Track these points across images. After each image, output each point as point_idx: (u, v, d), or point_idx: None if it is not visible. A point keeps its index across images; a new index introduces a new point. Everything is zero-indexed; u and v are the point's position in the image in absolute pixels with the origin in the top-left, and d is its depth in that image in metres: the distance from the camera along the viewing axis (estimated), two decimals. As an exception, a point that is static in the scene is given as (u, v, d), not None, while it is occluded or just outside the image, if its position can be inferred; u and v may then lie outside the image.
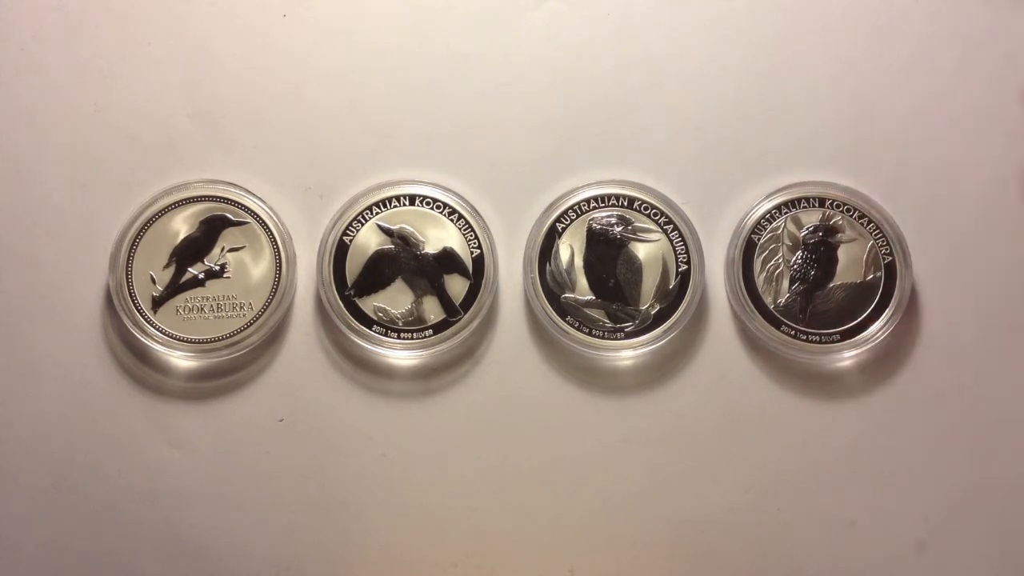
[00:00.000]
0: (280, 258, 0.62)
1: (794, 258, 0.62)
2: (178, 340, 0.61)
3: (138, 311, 0.61)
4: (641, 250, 0.62)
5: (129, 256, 0.62)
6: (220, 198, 0.63)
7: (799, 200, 0.63)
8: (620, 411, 0.62)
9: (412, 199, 0.63)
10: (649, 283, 0.62)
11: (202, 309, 0.62)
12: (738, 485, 0.61)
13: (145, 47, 0.64)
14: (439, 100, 0.64)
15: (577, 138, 0.64)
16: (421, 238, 0.62)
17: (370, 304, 0.62)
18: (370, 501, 0.61)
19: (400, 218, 0.63)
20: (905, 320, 0.62)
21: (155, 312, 0.61)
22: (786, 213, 0.63)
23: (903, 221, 0.63)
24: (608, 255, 0.62)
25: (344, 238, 0.62)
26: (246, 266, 0.62)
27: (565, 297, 0.62)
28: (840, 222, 0.62)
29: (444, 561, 0.61)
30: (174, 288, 0.62)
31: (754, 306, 0.62)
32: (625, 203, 0.63)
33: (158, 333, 0.61)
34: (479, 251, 0.62)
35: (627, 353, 0.62)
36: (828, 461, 0.61)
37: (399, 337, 0.61)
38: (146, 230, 0.62)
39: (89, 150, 0.63)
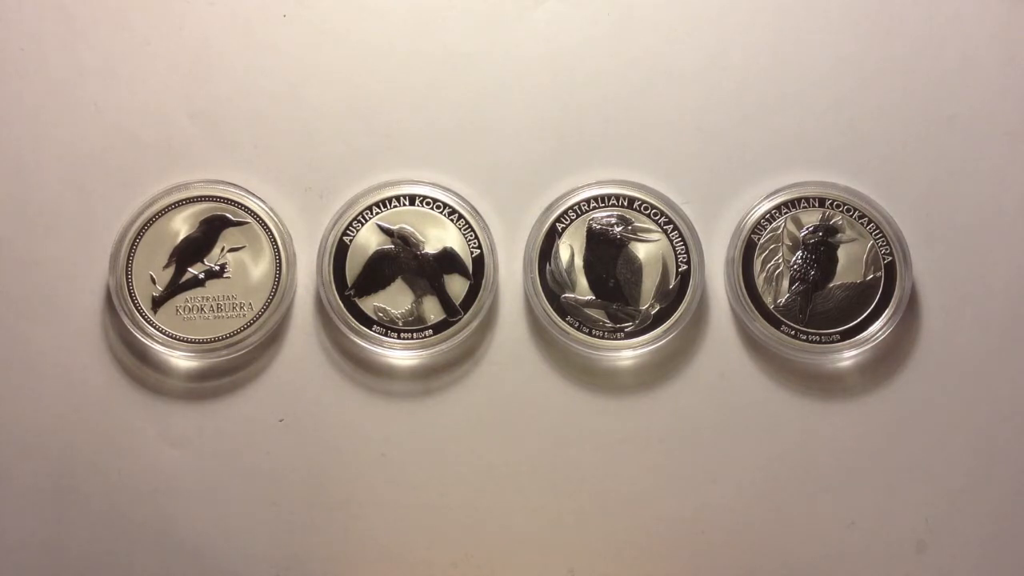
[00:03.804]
0: (280, 258, 0.62)
1: (794, 258, 0.62)
2: (178, 340, 0.61)
3: (138, 311, 0.61)
4: (641, 250, 0.62)
5: (129, 256, 0.62)
6: (220, 198, 0.63)
7: (799, 200, 0.63)
8: (620, 411, 0.62)
9: (412, 199, 0.63)
10: (649, 283, 0.62)
11: (202, 309, 0.62)
12: (738, 485, 0.61)
13: (145, 47, 0.64)
14: (439, 100, 0.64)
15: (577, 138, 0.64)
16: (421, 238, 0.62)
17: (370, 304, 0.62)
18: (370, 501, 0.61)
19: (400, 218, 0.62)
20: (905, 320, 0.62)
21: (155, 312, 0.61)
22: (786, 213, 0.63)
23: (903, 221, 0.63)
24: (608, 255, 0.62)
25: (344, 238, 0.62)
26: (246, 266, 0.62)
27: (565, 297, 0.62)
28: (840, 222, 0.62)
29: (444, 561, 0.61)
30: (174, 288, 0.62)
31: (754, 306, 0.62)
32: (625, 203, 0.63)
33: (158, 333, 0.61)
34: (479, 251, 0.62)
35: (627, 353, 0.62)
36: (828, 461, 0.61)
37: (399, 337, 0.61)
38: (146, 230, 0.62)
39: (89, 150, 0.63)
